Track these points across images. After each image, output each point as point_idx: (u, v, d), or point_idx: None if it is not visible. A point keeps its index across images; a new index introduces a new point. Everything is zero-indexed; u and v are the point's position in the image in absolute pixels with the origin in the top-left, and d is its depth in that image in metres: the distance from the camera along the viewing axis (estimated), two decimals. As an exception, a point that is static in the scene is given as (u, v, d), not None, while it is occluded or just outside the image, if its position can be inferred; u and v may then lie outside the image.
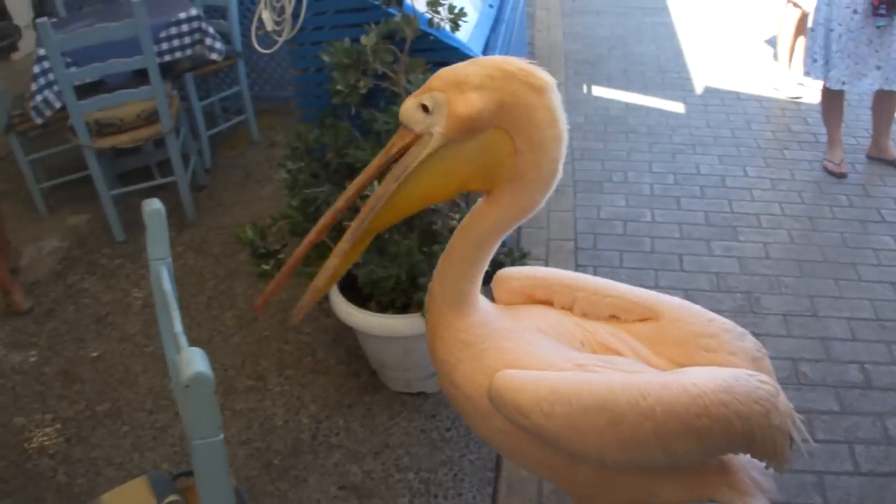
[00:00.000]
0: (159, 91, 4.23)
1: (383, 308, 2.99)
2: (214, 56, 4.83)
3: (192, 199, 4.64)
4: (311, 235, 1.71)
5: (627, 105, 5.81)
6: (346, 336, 3.55)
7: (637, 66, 6.61)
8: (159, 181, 4.84)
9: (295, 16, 3.14)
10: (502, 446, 1.98)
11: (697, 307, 2.03)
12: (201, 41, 4.77)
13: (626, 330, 2.01)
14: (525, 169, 1.67)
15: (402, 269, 2.75)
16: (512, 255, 2.89)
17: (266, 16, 3.21)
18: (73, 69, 4.15)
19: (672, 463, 1.85)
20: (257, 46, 3.29)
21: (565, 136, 1.67)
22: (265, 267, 3.03)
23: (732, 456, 1.98)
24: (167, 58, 4.72)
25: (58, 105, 4.54)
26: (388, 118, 2.81)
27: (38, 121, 4.59)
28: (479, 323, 1.89)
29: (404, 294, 2.88)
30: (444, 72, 1.63)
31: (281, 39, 3.20)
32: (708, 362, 1.91)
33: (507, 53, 3.55)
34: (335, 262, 1.71)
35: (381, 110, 2.94)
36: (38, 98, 4.50)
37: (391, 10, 3.00)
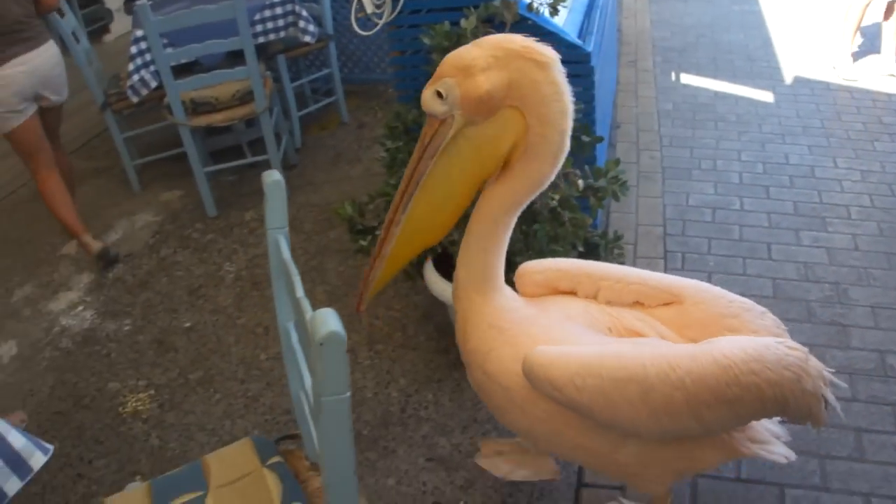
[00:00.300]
0: (254, 72, 4.31)
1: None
2: (307, 38, 4.90)
3: (283, 177, 4.71)
4: (382, 233, 1.84)
5: (716, 93, 5.77)
6: (436, 313, 3.60)
7: (725, 55, 6.55)
8: (250, 159, 4.94)
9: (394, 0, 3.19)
10: (542, 435, 2.03)
11: (718, 289, 2.11)
12: (295, 24, 4.85)
13: (650, 314, 2.08)
14: (535, 142, 1.76)
15: (497, 247, 2.79)
16: (606, 237, 2.91)
17: (366, 0, 3.26)
18: (169, 50, 4.25)
19: (707, 431, 1.92)
20: (357, 29, 3.34)
21: (571, 108, 1.76)
22: (362, 242, 3.09)
23: None
24: (261, 39, 4.81)
25: (153, 84, 4.66)
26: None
27: (135, 100, 4.72)
28: (509, 308, 1.98)
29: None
30: (451, 57, 1.73)
31: (381, 22, 3.24)
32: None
33: (601, 38, 3.56)
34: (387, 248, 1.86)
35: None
36: (135, 77, 4.62)
37: (492, -5, 3.03)
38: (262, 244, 4.36)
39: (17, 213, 5.42)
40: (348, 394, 1.20)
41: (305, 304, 1.37)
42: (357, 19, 3.34)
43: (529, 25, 3.04)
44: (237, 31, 4.23)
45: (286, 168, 5.02)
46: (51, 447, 1.92)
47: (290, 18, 4.82)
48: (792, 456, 2.25)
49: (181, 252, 4.44)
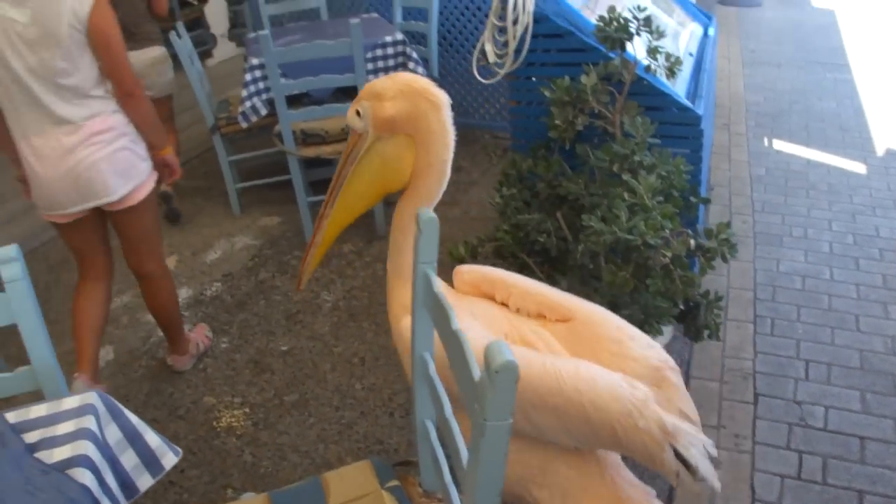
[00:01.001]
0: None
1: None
2: (417, 80, 5.03)
3: (383, 213, 4.84)
4: (315, 225, 2.30)
5: (808, 161, 5.80)
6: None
7: (818, 122, 6.58)
8: (350, 193, 5.07)
9: (517, 51, 3.30)
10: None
11: (613, 316, 2.23)
12: (405, 64, 4.98)
13: (547, 327, 2.24)
14: (422, 168, 2.16)
15: (604, 299, 2.87)
16: (707, 297, 2.99)
17: (489, 48, 3.38)
18: (285, 80, 4.40)
19: (541, 434, 2.04)
20: (477, 76, 3.46)
21: (452, 144, 2.16)
22: (470, 283, 3.18)
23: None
24: (371, 77, 4.94)
25: (264, 112, 4.84)
26: (603, 156, 2.94)
27: (244, 125, 4.89)
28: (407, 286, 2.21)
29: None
30: (369, 86, 2.13)
31: (501, 72, 3.35)
32: (612, 363, 2.07)
33: (706, 100, 3.64)
34: (319, 237, 2.30)
35: (594, 147, 3.07)
36: (248, 104, 4.79)
37: (611, 54, 3.13)
38: (359, 277, 4.49)
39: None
40: (510, 420, 1.30)
41: (462, 337, 1.46)
42: (478, 67, 3.46)
43: (645, 85, 3.14)
44: (349, 67, 4.39)
45: (386, 204, 5.14)
46: (180, 450, 2.03)
47: (401, 59, 4.96)
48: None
49: (279, 277, 4.58)
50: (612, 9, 3.10)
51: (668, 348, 3.11)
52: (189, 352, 3.95)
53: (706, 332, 3.11)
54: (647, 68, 3.13)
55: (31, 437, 1.75)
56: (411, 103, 2.07)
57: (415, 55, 4.99)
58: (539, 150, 3.30)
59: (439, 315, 1.62)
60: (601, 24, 3.06)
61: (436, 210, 4.67)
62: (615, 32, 3.03)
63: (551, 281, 3.06)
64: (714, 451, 2.05)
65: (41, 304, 4.50)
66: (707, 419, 3.25)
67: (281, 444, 3.37)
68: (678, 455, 1.94)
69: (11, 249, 2.02)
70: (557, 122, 3.08)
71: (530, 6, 3.25)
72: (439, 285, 1.69)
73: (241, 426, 3.51)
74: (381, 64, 4.88)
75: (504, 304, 2.35)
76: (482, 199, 5.16)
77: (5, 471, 1.64)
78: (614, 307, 2.90)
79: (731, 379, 3.51)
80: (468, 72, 6.05)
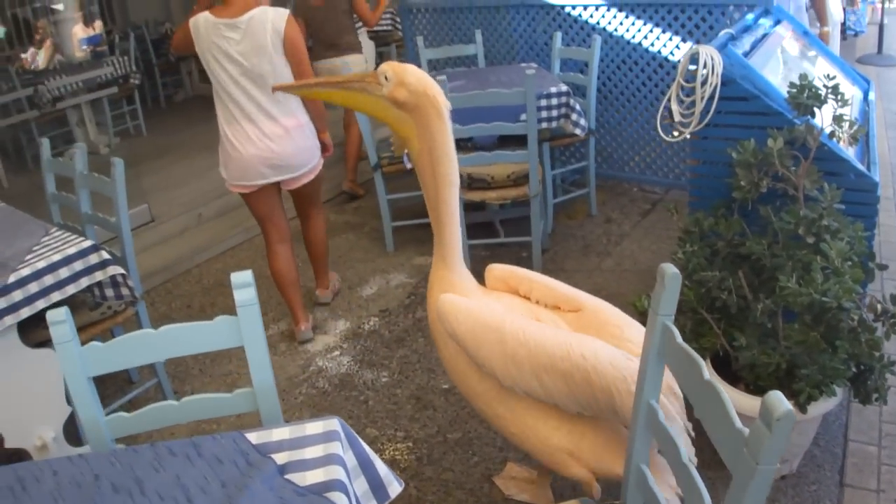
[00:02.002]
0: (534, 157, 4.56)
1: (748, 389, 3.16)
2: (578, 132, 5.12)
3: (541, 260, 4.93)
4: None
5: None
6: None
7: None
8: (504, 239, 5.19)
9: (703, 112, 3.36)
10: (458, 382, 2.74)
11: (615, 309, 2.72)
12: (567, 116, 5.08)
13: (560, 316, 2.72)
14: (424, 148, 2.65)
15: (783, 358, 2.91)
16: (882, 360, 2.99)
17: (675, 107, 3.45)
18: (456, 125, 4.53)
19: (550, 397, 2.48)
20: (661, 133, 3.53)
21: (451, 143, 2.65)
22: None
23: None
24: (542, 124, 5.04)
25: (430, 155, 4.95)
26: (789, 219, 2.98)
27: (408, 167, 5.02)
28: (458, 283, 2.76)
29: (776, 381, 3.03)
30: (400, 68, 2.58)
31: (686, 132, 3.42)
32: (612, 345, 2.50)
33: (873, 165, 3.64)
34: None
35: (775, 209, 3.12)
36: (414, 146, 4.92)
37: (796, 120, 3.18)
38: (517, 320, 4.56)
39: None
40: (777, 465, 1.38)
41: (718, 388, 1.54)
42: (662, 124, 3.53)
43: (826, 151, 3.17)
44: (513, 115, 4.55)
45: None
46: (402, 482, 2.12)
47: (564, 110, 5.05)
48: None
49: (439, 316, 4.68)
50: (804, 76, 3.16)
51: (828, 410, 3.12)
52: (330, 287, 5.07)
53: (874, 396, 3.11)
54: (832, 135, 3.18)
55: (279, 458, 1.84)
56: (420, 100, 2.55)
57: (577, 107, 5.08)
58: (720, 208, 3.35)
59: (687, 366, 1.69)
60: (794, 90, 3.11)
61: (587, 259, 4.77)
62: (807, 99, 3.09)
63: (728, 337, 3.11)
64: (692, 434, 2.51)
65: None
66: (866, 482, 3.24)
67: (446, 481, 3.45)
68: None
69: (247, 275, 2.14)
70: (742, 183, 3.14)
71: (719, 69, 3.31)
72: (679, 336, 1.77)
73: (404, 459, 3.60)
74: (544, 114, 4.96)
75: (527, 298, 2.83)
76: (633, 251, 5.23)
77: (259, 490, 1.72)
78: (792, 366, 2.94)
79: (889, 444, 3.49)
80: (620, 125, 6.15)
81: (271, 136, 4.19)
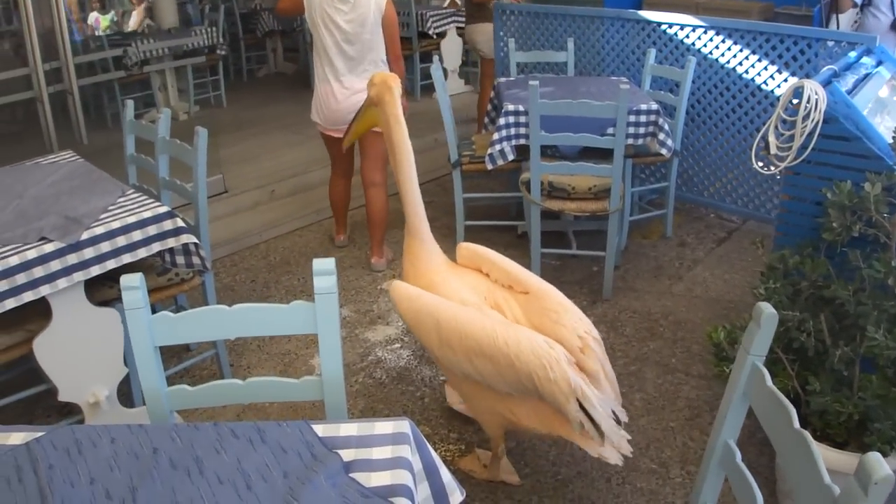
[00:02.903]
0: (618, 172, 4.48)
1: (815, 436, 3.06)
2: (664, 151, 5.02)
3: (612, 277, 4.86)
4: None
5: None
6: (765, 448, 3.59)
7: None
8: (576, 251, 5.12)
9: (801, 147, 3.27)
10: (421, 340, 3.14)
11: (556, 292, 3.11)
12: (655, 134, 4.99)
13: (513, 296, 3.12)
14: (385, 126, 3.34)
15: (857, 409, 2.82)
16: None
17: (772, 140, 3.36)
18: (543, 133, 4.48)
19: (482, 377, 2.90)
20: (755, 163, 3.45)
21: (400, 116, 3.29)
22: (725, 369, 3.16)
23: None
24: (629, 140, 4.95)
25: (511, 157, 4.94)
26: (880, 267, 2.89)
27: (490, 167, 5.00)
28: (425, 257, 3.28)
29: (846, 431, 2.94)
30: (378, 76, 3.36)
31: (781, 165, 3.33)
32: (550, 329, 2.91)
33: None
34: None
35: (865, 255, 3.02)
36: (497, 147, 4.89)
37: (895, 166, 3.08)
38: (581, 335, 4.49)
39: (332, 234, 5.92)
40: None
41: (808, 438, 1.47)
42: (757, 155, 3.45)
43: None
44: (599, 127, 4.51)
45: (616, 268, 5.16)
46: (464, 491, 2.07)
47: (652, 129, 4.96)
48: (617, 460, 2.89)
49: (503, 321, 4.63)
50: (911, 122, 3.07)
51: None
52: (385, 256, 5.51)
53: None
54: (930, 184, 3.08)
55: (345, 455, 1.79)
56: (380, 91, 3.30)
57: (666, 127, 4.99)
58: (806, 247, 3.26)
59: (775, 411, 1.63)
60: (899, 135, 3.03)
61: (658, 281, 4.70)
62: (913, 146, 3.00)
63: (801, 380, 3.03)
64: (624, 417, 2.96)
65: (260, 301, 4.73)
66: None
67: (494, 488, 3.41)
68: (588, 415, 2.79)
69: (329, 262, 2.10)
70: (834, 224, 3.05)
71: (823, 105, 3.22)
72: (770, 379, 1.70)
73: (455, 462, 3.56)
74: (631, 130, 4.86)
75: (487, 275, 3.25)
76: (706, 278, 5.13)
77: (322, 486, 1.68)
78: (865, 418, 2.85)
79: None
80: (705, 149, 6.04)
81: (360, 92, 4.81)
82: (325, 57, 5.04)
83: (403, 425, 1.88)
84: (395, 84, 3.28)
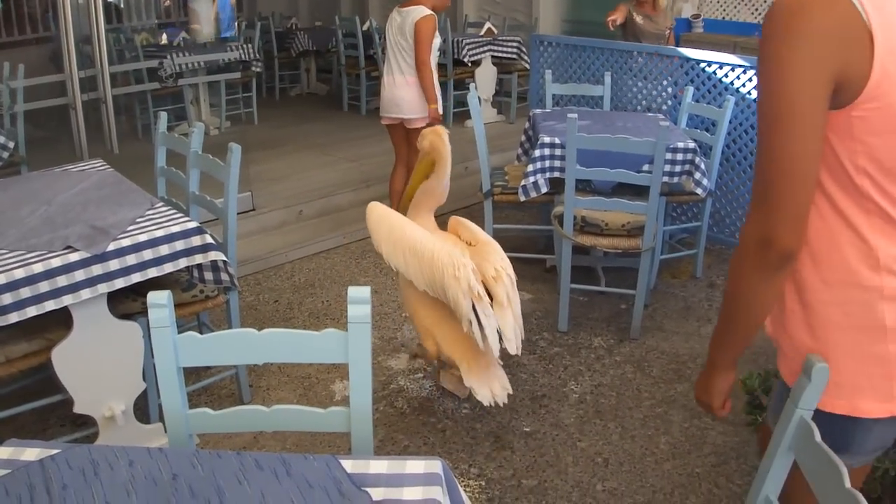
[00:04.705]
0: (653, 210, 4.41)
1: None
2: (699, 191, 4.94)
3: (641, 315, 4.77)
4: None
5: None
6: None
7: None
8: (604, 287, 5.05)
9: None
10: (403, 290, 4.03)
11: (495, 245, 3.81)
12: (691, 173, 4.91)
13: (471, 250, 3.78)
14: (436, 176, 3.95)
15: (893, 464, 2.74)
16: None
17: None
18: (578, 166, 4.42)
19: (407, 272, 3.66)
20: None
21: (448, 171, 3.90)
22: (757, 418, 3.09)
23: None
24: (665, 178, 4.88)
25: (544, 190, 4.89)
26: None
27: (522, 198, 4.95)
28: (422, 218, 3.94)
29: (880, 486, 2.85)
30: (429, 132, 3.95)
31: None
32: (477, 262, 3.61)
33: None
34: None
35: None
36: (531, 179, 4.84)
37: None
38: (608, 374, 4.40)
39: (365, 260, 5.92)
40: None
41: (859, 499, 1.40)
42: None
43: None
44: (635, 163, 4.47)
45: (646, 307, 5.07)
46: None
47: (688, 167, 4.89)
48: (487, 400, 3.66)
49: (526, 356, 4.56)
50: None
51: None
52: None
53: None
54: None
55: (375, 494, 1.70)
56: (434, 145, 3.87)
57: (703, 166, 4.91)
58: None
59: (825, 469, 1.55)
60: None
61: (686, 322, 4.63)
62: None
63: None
64: (515, 351, 3.57)
65: (283, 322, 4.68)
66: None
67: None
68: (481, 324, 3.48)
69: (365, 291, 2.03)
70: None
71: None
72: (818, 434, 1.63)
73: (475, 498, 3.48)
74: (667, 168, 4.78)
75: (459, 237, 3.96)
76: (736, 322, 5.02)
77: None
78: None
79: None
80: (738, 189, 5.99)
81: (400, 85, 5.91)
82: (388, 55, 6.05)
83: (436, 465, 1.80)
84: (445, 141, 3.88)
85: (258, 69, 9.82)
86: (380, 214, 3.79)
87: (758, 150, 1.67)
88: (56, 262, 2.97)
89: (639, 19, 7.33)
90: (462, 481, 3.56)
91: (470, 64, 9.61)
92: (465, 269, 3.47)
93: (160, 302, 2.00)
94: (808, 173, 1.62)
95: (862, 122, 1.60)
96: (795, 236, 1.66)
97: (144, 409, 3.62)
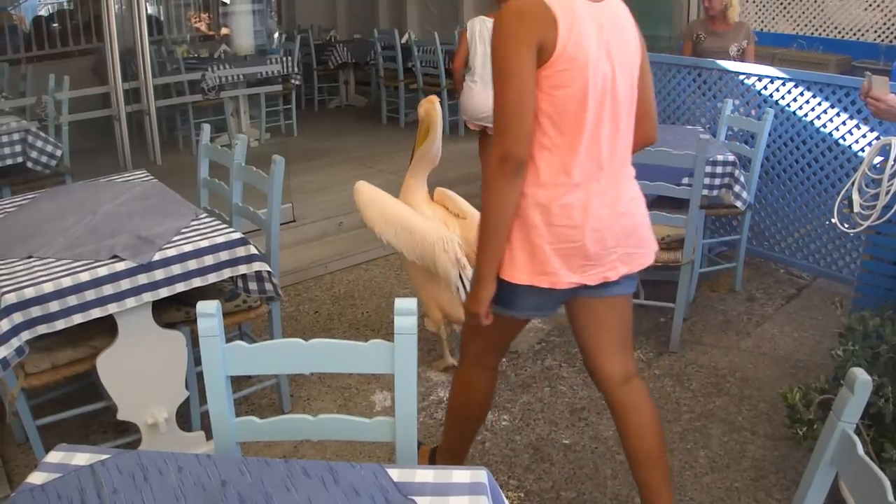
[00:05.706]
0: (692, 224, 4.41)
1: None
2: (738, 204, 4.93)
3: (680, 329, 4.77)
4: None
5: None
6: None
7: None
8: (643, 301, 5.04)
9: (885, 207, 3.19)
10: (408, 269, 4.56)
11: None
12: (730, 186, 4.90)
13: (457, 222, 4.35)
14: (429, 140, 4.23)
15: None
16: None
17: (856, 197, 3.29)
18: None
19: (399, 245, 4.11)
20: (837, 222, 3.38)
21: (440, 136, 4.20)
22: (798, 432, 3.08)
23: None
24: (704, 191, 4.86)
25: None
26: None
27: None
28: (417, 184, 4.34)
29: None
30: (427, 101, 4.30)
31: (865, 224, 3.26)
32: (464, 236, 4.16)
33: None
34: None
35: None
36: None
37: None
38: (647, 387, 4.37)
39: (404, 272, 5.87)
40: None
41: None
42: (839, 213, 3.38)
43: None
44: (674, 176, 4.48)
45: (684, 321, 5.06)
46: None
47: (728, 180, 4.88)
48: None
49: (567, 368, 4.57)
50: None
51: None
52: None
53: None
54: None
55: (420, 502, 1.73)
56: (428, 112, 4.22)
57: (742, 179, 4.90)
58: (887, 309, 3.17)
59: (868, 483, 1.56)
60: None
61: (726, 335, 4.60)
62: None
63: (875, 445, 2.93)
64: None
65: (324, 333, 4.72)
66: None
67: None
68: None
69: (411, 303, 2.06)
70: (921, 289, 2.98)
71: (910, 164, 3.16)
72: (861, 447, 1.63)
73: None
74: (707, 181, 4.75)
75: (447, 209, 4.44)
76: (774, 335, 5.01)
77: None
78: None
79: None
80: (778, 202, 5.95)
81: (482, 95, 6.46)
82: None
83: (481, 475, 1.82)
84: (437, 108, 4.24)
85: (297, 81, 9.90)
86: (370, 194, 4.19)
87: (494, 97, 2.41)
88: (102, 271, 3.03)
89: (705, 39, 6.92)
90: (502, 491, 3.56)
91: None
92: (452, 244, 3.96)
93: (209, 311, 2.04)
94: (527, 108, 2.37)
95: (547, 80, 2.39)
96: (523, 150, 2.40)
97: (186, 416, 3.66)
